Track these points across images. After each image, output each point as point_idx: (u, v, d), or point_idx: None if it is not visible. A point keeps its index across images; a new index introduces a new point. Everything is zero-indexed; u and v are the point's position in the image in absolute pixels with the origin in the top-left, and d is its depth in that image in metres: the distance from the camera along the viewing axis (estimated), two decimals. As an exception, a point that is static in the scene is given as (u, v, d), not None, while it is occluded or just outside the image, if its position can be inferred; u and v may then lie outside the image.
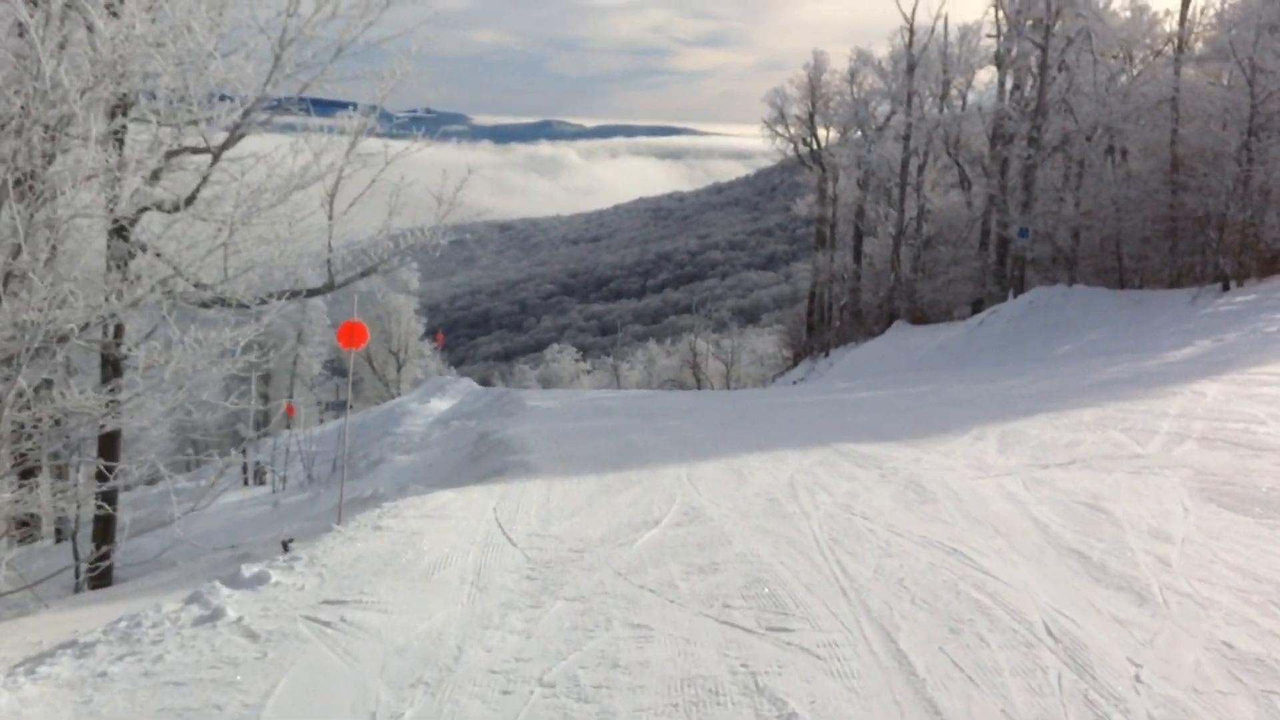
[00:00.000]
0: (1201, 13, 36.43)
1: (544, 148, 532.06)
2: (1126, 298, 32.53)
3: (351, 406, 14.91)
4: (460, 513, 9.49)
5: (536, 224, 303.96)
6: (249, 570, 7.51)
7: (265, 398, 60.01)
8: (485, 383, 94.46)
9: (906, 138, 45.17)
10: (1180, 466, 9.86)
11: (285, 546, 9.61)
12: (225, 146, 11.66)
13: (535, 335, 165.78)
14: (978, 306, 40.94)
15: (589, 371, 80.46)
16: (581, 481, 10.89)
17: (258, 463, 26.11)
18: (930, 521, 8.41)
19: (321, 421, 48.32)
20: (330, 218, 12.54)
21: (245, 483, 25.58)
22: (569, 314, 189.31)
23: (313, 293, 12.76)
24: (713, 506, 9.30)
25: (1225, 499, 8.60)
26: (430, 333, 65.51)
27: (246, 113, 11.50)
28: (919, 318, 44.28)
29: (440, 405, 31.51)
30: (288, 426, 30.85)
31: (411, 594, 7.07)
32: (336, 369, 65.99)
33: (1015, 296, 35.05)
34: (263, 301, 11.64)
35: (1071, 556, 7.21)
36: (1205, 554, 7.18)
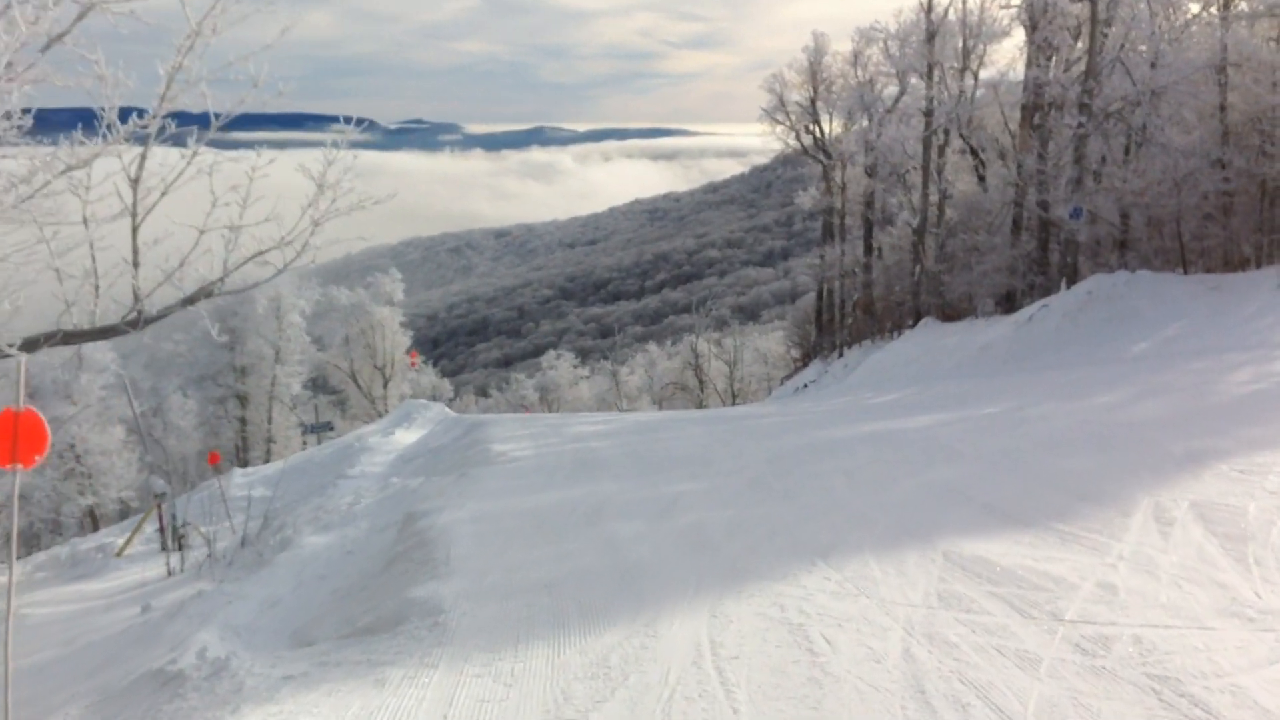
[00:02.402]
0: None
1: (537, 154, 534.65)
2: (1198, 284, 27.71)
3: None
4: None
5: (532, 229, 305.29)
6: None
7: (243, 422, 55.89)
8: (483, 393, 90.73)
9: (929, 114, 40.24)
10: None
11: None
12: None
13: (534, 340, 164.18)
14: (1009, 300, 36.25)
15: (587, 378, 76.28)
16: (516, 672, 5.99)
17: (179, 524, 21.19)
18: None
19: (305, 445, 43.54)
20: (134, 216, 7.79)
21: (163, 547, 20.63)
22: (568, 318, 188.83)
23: (103, 334, 7.99)
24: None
25: None
26: (409, 349, 60.88)
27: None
28: (948, 314, 39.48)
29: (406, 437, 26.77)
30: (218, 472, 26.04)
31: None
32: (320, 386, 61.70)
33: (1068, 287, 30.22)
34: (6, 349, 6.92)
35: None
36: None
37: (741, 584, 7.32)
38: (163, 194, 7.77)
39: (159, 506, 21.38)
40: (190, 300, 8.28)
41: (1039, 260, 34.99)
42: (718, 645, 6.03)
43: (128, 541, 20.10)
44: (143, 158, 7.73)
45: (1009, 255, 36.09)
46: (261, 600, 10.62)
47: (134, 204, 7.73)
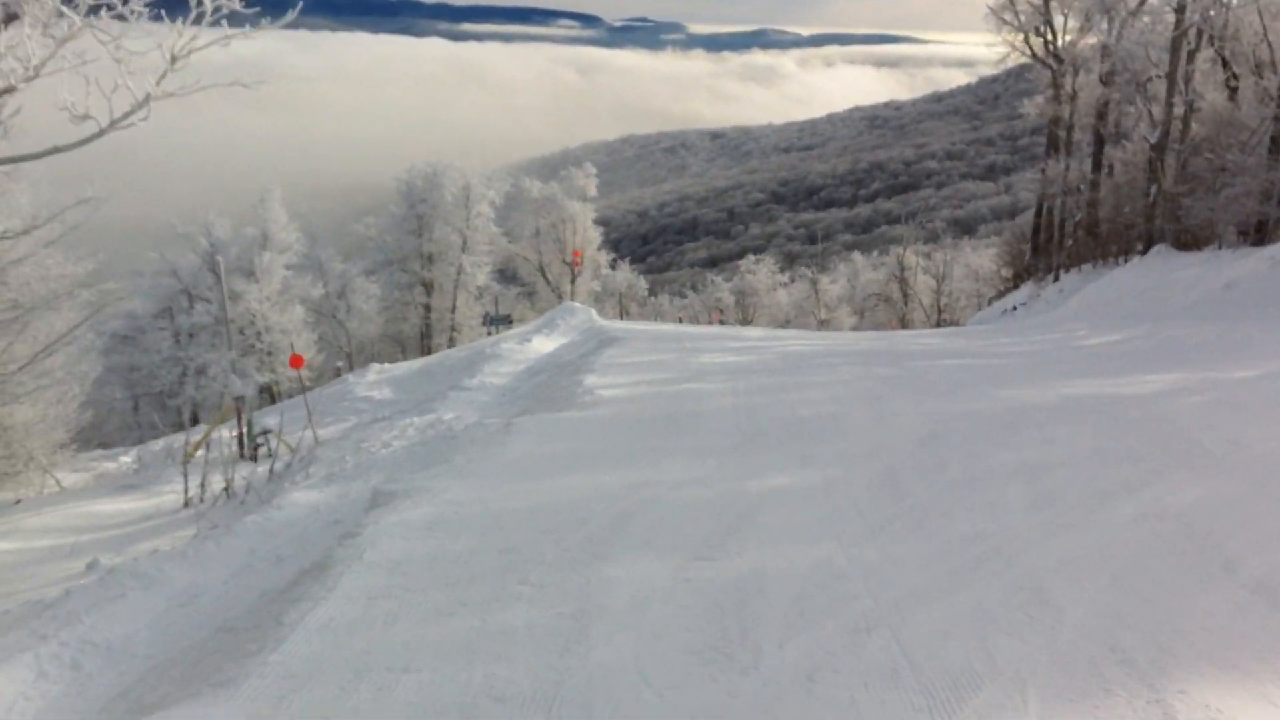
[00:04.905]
0: None
1: (758, 56, 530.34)
2: None
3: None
4: None
5: (748, 132, 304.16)
6: None
7: (428, 309, 54.78)
8: (681, 294, 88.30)
9: (1180, 10, 35.05)
10: None
11: None
12: None
13: (742, 243, 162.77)
14: (1259, 230, 31.35)
15: (785, 285, 73.24)
16: None
17: (262, 431, 19.12)
18: None
19: (489, 334, 41.90)
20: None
21: (241, 455, 18.58)
22: (778, 222, 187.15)
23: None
24: None
25: None
26: (605, 245, 58.80)
27: None
28: (1185, 243, 34.66)
29: (544, 346, 24.05)
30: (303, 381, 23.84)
31: None
32: (509, 277, 60.18)
33: (1340, 218, 25.51)
34: None
35: None
36: None
37: None
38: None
39: (238, 410, 19.45)
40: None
41: (1306, 185, 29.96)
42: None
43: (195, 446, 17.99)
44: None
45: (1264, 179, 31.08)
46: (178, 591, 7.92)
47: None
